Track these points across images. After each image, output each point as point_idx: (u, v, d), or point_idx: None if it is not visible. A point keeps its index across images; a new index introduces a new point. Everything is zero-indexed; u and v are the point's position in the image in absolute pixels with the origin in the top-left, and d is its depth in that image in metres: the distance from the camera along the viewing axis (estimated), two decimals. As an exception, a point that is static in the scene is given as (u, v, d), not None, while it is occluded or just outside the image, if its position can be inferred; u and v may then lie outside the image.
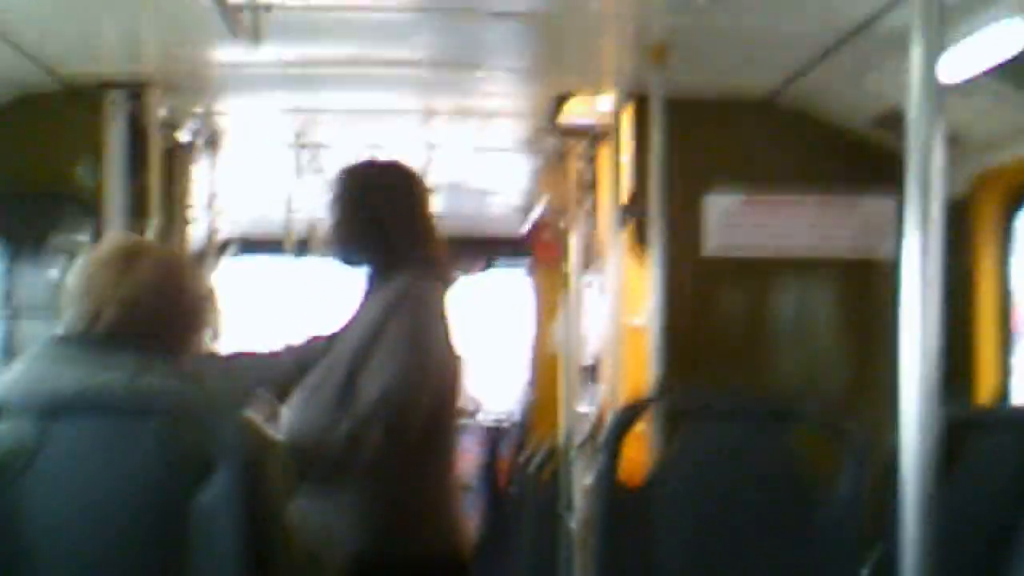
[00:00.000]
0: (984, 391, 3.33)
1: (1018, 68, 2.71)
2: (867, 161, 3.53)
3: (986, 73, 2.74)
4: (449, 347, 2.60)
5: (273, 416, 2.82)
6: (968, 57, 2.65)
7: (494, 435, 6.59)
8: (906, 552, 1.61)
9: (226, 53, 3.17)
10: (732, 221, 3.62)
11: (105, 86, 3.42)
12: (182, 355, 2.08)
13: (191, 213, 4.14)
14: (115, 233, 3.29)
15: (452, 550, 2.64)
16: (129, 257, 2.03)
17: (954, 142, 2.84)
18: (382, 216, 2.63)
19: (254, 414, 2.37)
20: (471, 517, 2.89)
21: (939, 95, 1.62)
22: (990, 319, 3.35)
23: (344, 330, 2.63)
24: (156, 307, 2.01)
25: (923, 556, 1.60)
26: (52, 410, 1.87)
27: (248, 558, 1.86)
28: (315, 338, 2.73)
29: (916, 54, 1.63)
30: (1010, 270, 3.35)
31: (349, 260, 2.68)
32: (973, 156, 3.25)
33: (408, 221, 2.65)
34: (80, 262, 2.07)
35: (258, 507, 1.90)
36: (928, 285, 1.60)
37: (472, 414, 6.31)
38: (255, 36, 2.68)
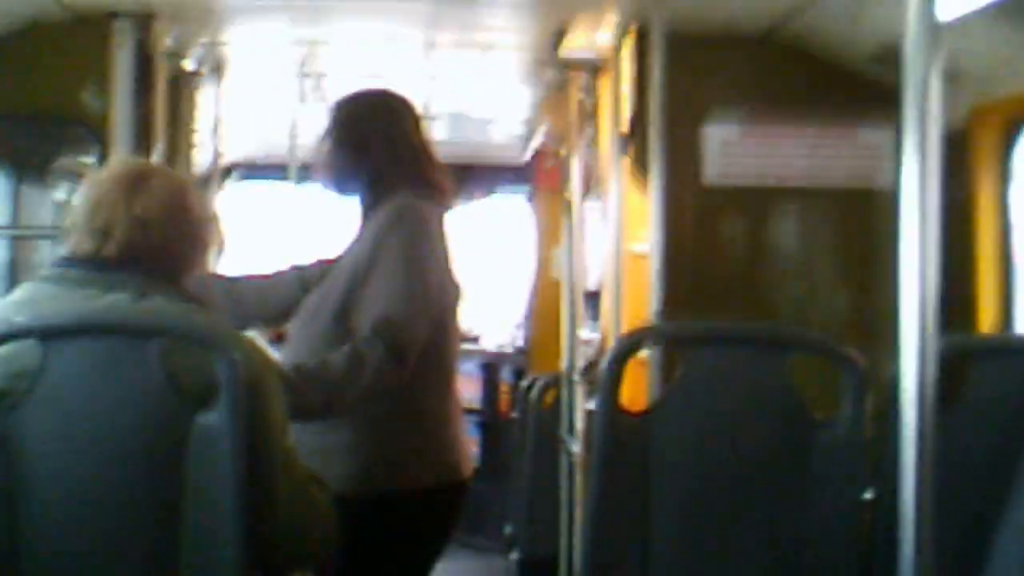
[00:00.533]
0: (985, 321, 3.35)
1: (1013, 6, 2.74)
2: (864, 95, 3.53)
3: (982, 10, 2.74)
4: (449, 269, 2.63)
5: (276, 339, 2.87)
6: None
7: (496, 361, 6.60)
8: (906, 480, 1.61)
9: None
10: (731, 150, 3.63)
11: (112, 15, 3.42)
12: (187, 277, 2.08)
13: (196, 139, 4.16)
14: (121, 156, 3.30)
15: (452, 474, 2.67)
16: (137, 179, 2.04)
17: (951, 76, 2.86)
18: (368, 142, 2.65)
19: (256, 336, 2.40)
20: (473, 442, 2.93)
21: (936, 31, 1.61)
22: (990, 249, 3.36)
23: (341, 255, 2.64)
24: (164, 227, 2.02)
25: (923, 485, 1.60)
26: (56, 332, 1.88)
27: (247, 480, 1.86)
28: (321, 260, 2.75)
29: None
30: (1009, 200, 3.35)
31: (341, 189, 2.71)
32: (970, 89, 3.25)
33: (397, 146, 2.67)
34: (87, 183, 2.09)
35: (259, 429, 1.91)
36: (926, 214, 1.60)
37: (474, 340, 6.32)
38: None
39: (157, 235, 2.01)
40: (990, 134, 3.33)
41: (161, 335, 1.89)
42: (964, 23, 2.79)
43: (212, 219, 2.20)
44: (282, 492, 1.97)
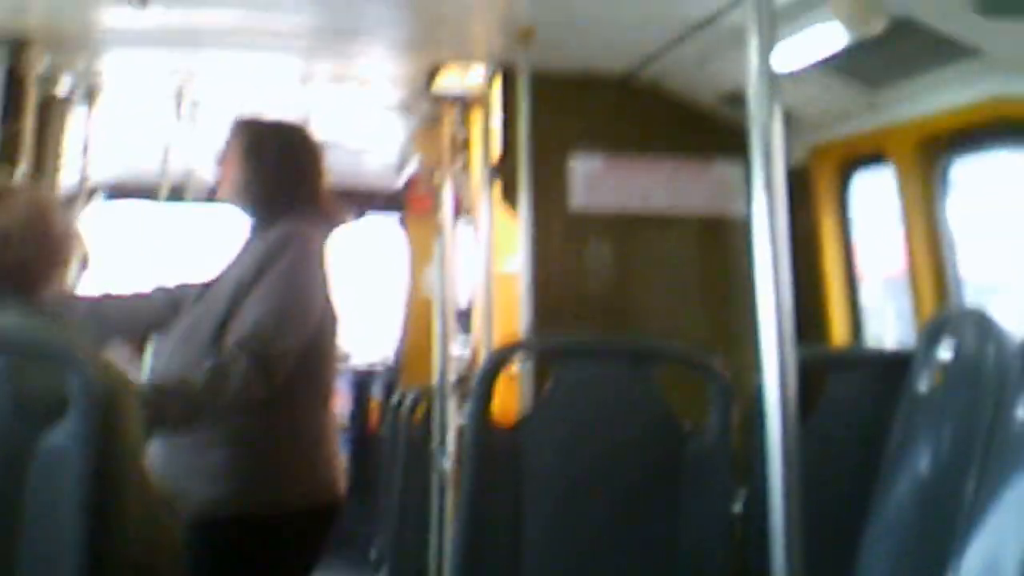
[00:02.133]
0: (836, 335, 3.54)
1: (841, 62, 2.95)
2: (716, 132, 3.73)
3: (814, 65, 2.97)
4: (327, 292, 2.65)
5: (135, 358, 2.85)
6: (798, 51, 2.88)
7: (365, 378, 6.60)
8: (773, 486, 1.67)
9: (111, 14, 3.21)
10: (595, 180, 3.78)
11: (-21, 38, 3.41)
12: (45, 293, 2.09)
13: (63, 160, 4.13)
14: None
15: (326, 494, 2.65)
16: None
17: (790, 119, 3.07)
18: (272, 168, 2.70)
19: (114, 356, 2.36)
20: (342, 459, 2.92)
21: (774, 81, 1.76)
22: (836, 270, 3.56)
23: (225, 273, 2.65)
24: (22, 243, 2.03)
25: (789, 489, 1.66)
26: None
27: (94, 501, 1.81)
28: (188, 284, 2.75)
29: (752, 47, 1.78)
30: (851, 226, 3.56)
31: (239, 202, 2.74)
32: (808, 131, 3.48)
33: (297, 175, 2.72)
34: None
35: (111, 447, 1.86)
36: (777, 241, 1.71)
37: (345, 358, 6.28)
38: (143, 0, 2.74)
39: (13, 251, 2.02)
40: (829, 169, 3.54)
41: (11, 350, 1.87)
42: (801, 75, 3.01)
43: (73, 236, 2.20)
44: (130, 519, 1.94)
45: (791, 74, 2.97)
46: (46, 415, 1.83)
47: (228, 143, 2.77)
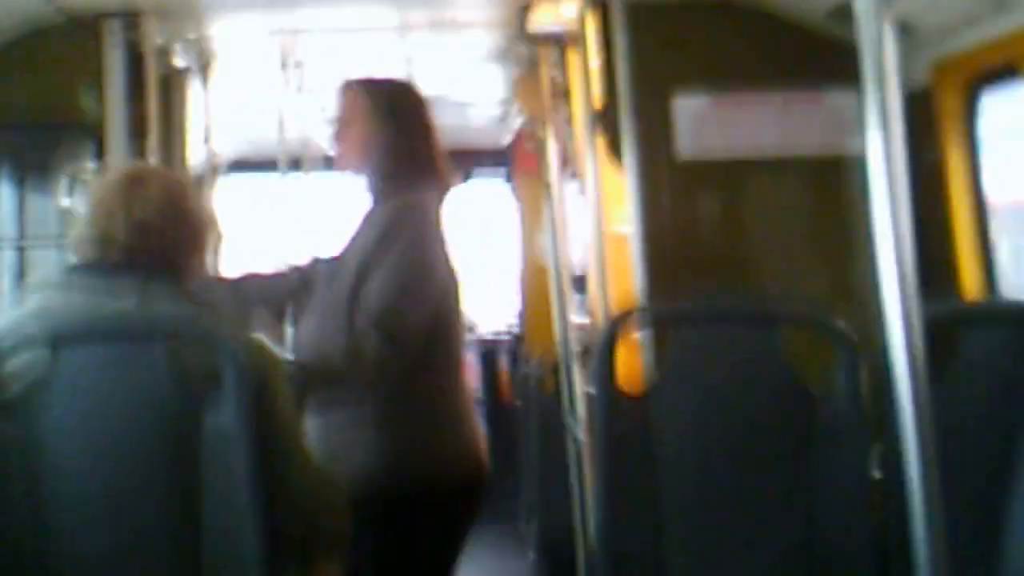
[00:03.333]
0: (968, 283, 3.32)
1: None
2: (826, 56, 3.47)
3: None
4: (448, 261, 2.66)
5: (279, 337, 2.96)
6: None
7: (493, 348, 6.61)
8: (908, 448, 1.60)
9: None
10: (701, 123, 3.61)
11: (103, 15, 3.51)
12: (189, 277, 2.13)
13: (189, 138, 4.22)
14: (119, 160, 3.38)
15: (475, 468, 2.68)
16: (134, 183, 2.09)
17: (909, 32, 2.81)
18: (400, 131, 2.69)
19: (260, 335, 2.42)
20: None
21: None
22: (965, 209, 3.33)
23: (348, 247, 2.67)
24: (163, 229, 2.07)
25: (925, 451, 1.59)
26: (65, 339, 1.94)
27: (260, 475, 1.91)
28: (318, 259, 2.78)
29: None
30: (980, 159, 3.30)
31: (357, 171, 2.73)
32: (927, 44, 3.22)
33: (419, 137, 2.72)
34: (88, 191, 2.17)
35: (268, 425, 1.95)
36: (895, 181, 1.57)
37: (471, 329, 6.31)
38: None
39: (156, 238, 2.07)
40: (954, 90, 3.30)
41: (167, 338, 1.94)
42: None
43: (210, 217, 2.24)
44: (297, 486, 2.02)
45: None
46: (206, 396, 1.93)
47: (349, 106, 2.74)
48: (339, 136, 2.77)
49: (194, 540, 1.92)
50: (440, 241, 2.66)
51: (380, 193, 2.71)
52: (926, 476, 1.59)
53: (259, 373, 1.97)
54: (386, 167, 2.69)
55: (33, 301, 2.08)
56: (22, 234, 3.78)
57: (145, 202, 2.07)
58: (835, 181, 3.61)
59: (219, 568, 1.92)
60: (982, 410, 2.25)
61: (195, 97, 4.29)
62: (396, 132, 2.70)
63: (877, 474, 2.32)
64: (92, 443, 1.93)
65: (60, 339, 1.94)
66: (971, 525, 1.88)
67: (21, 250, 3.77)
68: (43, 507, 1.92)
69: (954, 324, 2.35)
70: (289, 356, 2.60)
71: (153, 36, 3.66)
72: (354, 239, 2.68)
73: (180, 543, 1.93)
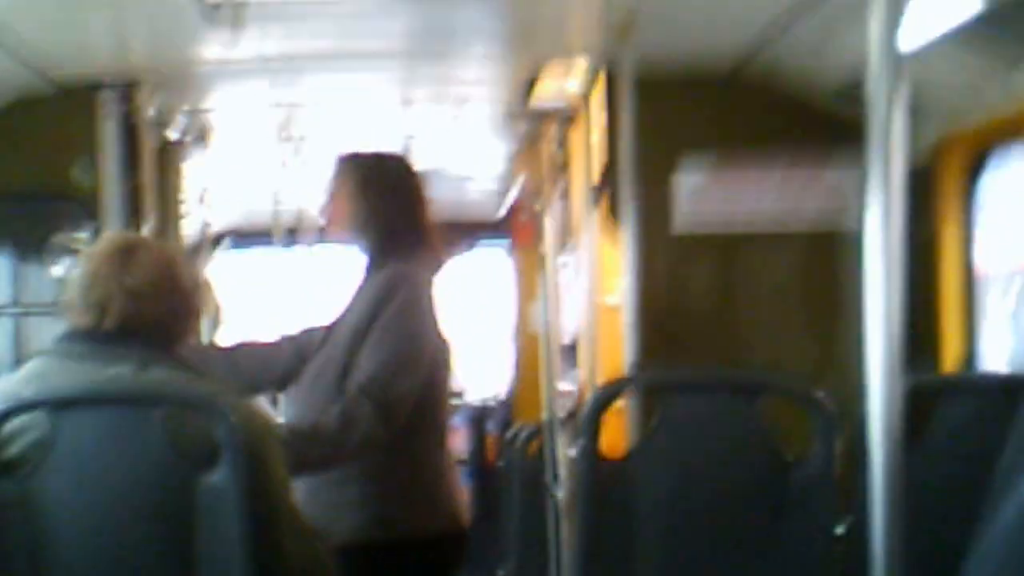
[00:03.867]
0: (950, 359, 3.35)
1: (977, 33, 2.72)
2: (832, 132, 3.55)
3: (945, 38, 2.71)
4: (438, 330, 2.71)
5: (273, 404, 2.94)
6: (927, 22, 2.63)
7: (481, 414, 6.68)
8: (875, 519, 1.62)
9: (208, 49, 3.25)
10: (701, 196, 3.65)
11: (96, 87, 3.50)
12: (182, 345, 2.16)
13: (184, 209, 4.23)
14: (112, 231, 3.37)
15: (450, 523, 2.76)
16: (128, 253, 2.11)
17: (915, 110, 2.86)
18: (384, 204, 2.74)
19: (254, 402, 2.45)
20: (464, 490, 3.00)
21: (899, 62, 1.60)
22: (954, 287, 3.35)
23: (341, 317, 2.72)
24: (157, 299, 2.08)
25: (891, 523, 1.61)
26: (65, 404, 1.97)
27: (253, 537, 1.94)
28: (311, 329, 2.83)
29: (875, 22, 1.61)
30: (973, 236, 3.33)
31: (350, 241, 2.79)
32: (933, 122, 3.25)
33: (406, 210, 2.76)
34: (80, 262, 2.15)
35: (261, 489, 1.98)
36: (891, 254, 1.59)
37: (460, 395, 6.36)
38: (234, 28, 2.78)
39: (149, 307, 2.07)
40: (956, 167, 3.33)
41: (163, 404, 1.97)
42: (928, 53, 2.77)
43: (201, 287, 2.27)
44: (288, 547, 2.05)
45: (916, 54, 2.73)
46: (201, 462, 1.95)
47: (336, 179, 2.81)
48: (326, 208, 2.84)
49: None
50: (430, 310, 2.70)
51: (371, 264, 2.76)
52: (891, 542, 1.60)
53: (253, 439, 1.99)
54: (371, 239, 2.75)
55: (29, 367, 2.10)
56: (17, 302, 3.79)
57: (138, 271, 2.08)
58: (829, 256, 3.64)
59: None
60: (953, 476, 2.27)
61: (190, 169, 4.28)
62: (378, 205, 2.75)
63: (841, 530, 2.35)
64: (89, 505, 1.95)
65: (60, 403, 1.97)
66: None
67: (17, 318, 3.78)
68: (42, 567, 1.94)
69: (934, 395, 2.38)
70: (281, 422, 2.64)
71: (148, 107, 3.66)
72: (347, 309, 2.71)
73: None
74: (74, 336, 2.09)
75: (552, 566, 3.74)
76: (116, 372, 2.03)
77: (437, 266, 2.77)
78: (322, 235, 2.98)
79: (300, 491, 2.41)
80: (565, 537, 3.46)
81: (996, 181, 3.29)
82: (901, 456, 1.61)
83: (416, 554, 2.68)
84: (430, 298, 2.70)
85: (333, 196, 2.80)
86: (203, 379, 2.19)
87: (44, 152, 3.68)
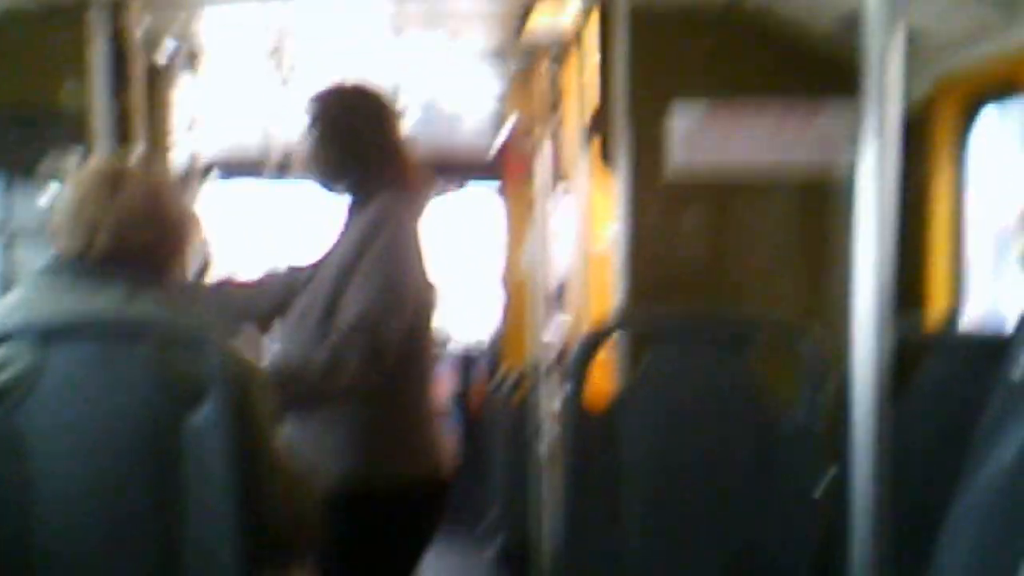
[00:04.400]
0: (936, 307, 3.36)
1: None
2: (829, 70, 3.51)
3: None
4: (424, 271, 2.66)
5: (258, 345, 2.93)
6: None
7: (466, 362, 6.64)
8: (856, 470, 1.64)
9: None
10: (696, 136, 3.62)
11: (85, 4, 3.42)
12: (169, 279, 2.14)
13: (173, 136, 4.20)
14: (99, 158, 3.28)
15: (434, 472, 2.73)
16: (116, 182, 2.09)
17: (913, 46, 2.84)
18: (357, 140, 2.67)
19: (239, 342, 2.46)
20: (451, 437, 3.00)
21: (897, 3, 1.59)
22: (944, 232, 3.36)
23: (326, 257, 2.68)
24: (145, 231, 2.06)
25: (873, 475, 1.63)
26: (48, 337, 1.95)
27: (238, 477, 1.94)
28: (297, 267, 2.79)
29: None
30: (965, 181, 3.33)
31: (328, 185, 2.73)
32: (929, 63, 3.22)
33: (382, 144, 2.69)
34: (67, 188, 2.12)
35: (247, 429, 1.97)
36: (883, 202, 1.58)
37: (445, 342, 6.35)
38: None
39: (138, 234, 2.06)
40: (950, 110, 3.31)
41: (151, 337, 1.96)
42: None
43: (191, 219, 2.25)
44: (274, 484, 2.05)
45: None
46: (187, 398, 1.95)
47: (308, 123, 2.74)
48: (302, 151, 2.78)
49: (174, 536, 1.95)
50: (416, 248, 2.66)
51: (353, 204, 2.71)
52: (874, 495, 1.61)
53: (240, 377, 1.98)
54: (348, 181, 2.70)
55: (15, 295, 2.08)
56: (4, 227, 3.76)
57: (126, 204, 2.06)
58: (821, 201, 3.62)
59: (197, 564, 1.95)
60: (937, 432, 2.27)
61: (180, 95, 4.22)
62: (351, 145, 2.68)
63: (825, 489, 2.36)
64: (75, 438, 1.95)
65: (46, 333, 1.96)
66: (913, 548, 1.89)
67: (4, 242, 3.75)
68: (27, 499, 1.94)
69: (919, 348, 2.38)
70: (269, 361, 2.61)
71: (137, 28, 3.58)
72: (332, 248, 2.69)
73: (160, 539, 1.94)
74: (61, 263, 2.07)
75: (534, 517, 3.74)
76: (104, 300, 2.02)
77: (422, 202, 2.73)
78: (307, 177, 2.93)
79: (285, 435, 2.39)
80: (547, 488, 3.45)
81: (989, 130, 3.28)
82: (888, 407, 1.62)
83: (397, 504, 2.66)
84: (416, 235, 2.66)
85: (306, 140, 2.74)
86: (190, 311, 2.18)
87: (31, 70, 3.63)
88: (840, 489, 2.22)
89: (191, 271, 3.25)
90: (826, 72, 3.53)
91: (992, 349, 2.14)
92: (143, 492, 1.95)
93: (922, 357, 2.38)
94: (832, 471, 2.35)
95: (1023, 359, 1.91)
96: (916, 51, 3.10)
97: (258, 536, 2.00)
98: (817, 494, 2.36)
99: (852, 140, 3.59)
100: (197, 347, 1.97)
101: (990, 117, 3.26)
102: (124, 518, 1.95)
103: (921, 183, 3.36)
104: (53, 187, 3.55)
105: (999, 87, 3.11)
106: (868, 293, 1.60)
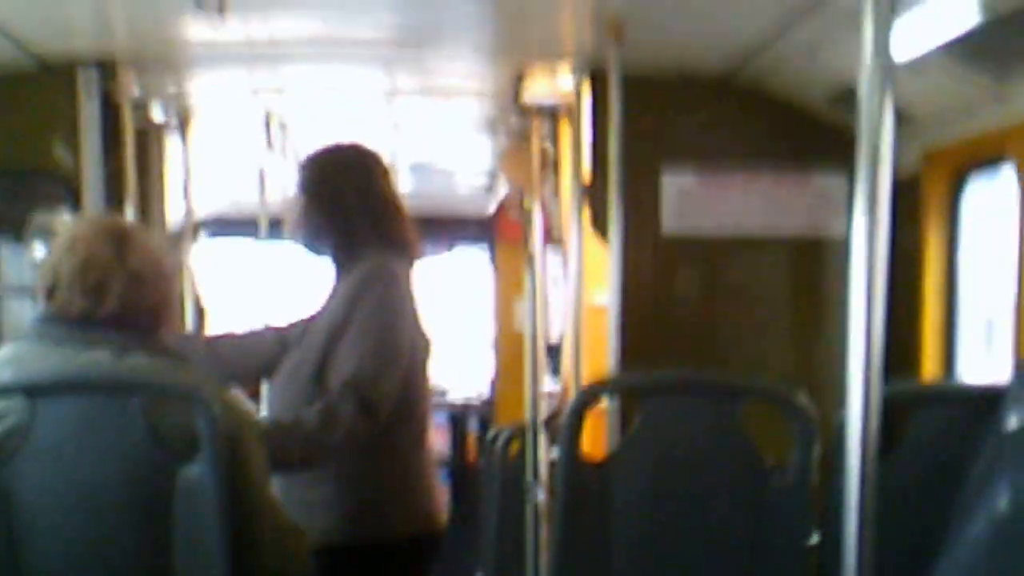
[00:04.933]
0: (928, 370, 3.36)
1: (967, 46, 2.73)
2: (821, 139, 3.55)
3: (937, 50, 2.74)
4: (417, 325, 2.67)
5: (253, 397, 2.91)
6: (920, 34, 2.67)
7: (462, 413, 6.70)
8: (848, 526, 1.64)
9: (193, 30, 3.20)
10: (689, 200, 3.64)
11: (78, 65, 3.46)
12: (164, 333, 2.14)
13: (166, 194, 4.18)
14: (95, 214, 3.34)
15: (426, 525, 2.74)
16: (122, 243, 2.08)
17: (905, 120, 2.88)
18: (342, 198, 2.68)
19: (234, 394, 2.44)
20: (443, 491, 2.98)
21: (890, 72, 1.62)
22: (935, 298, 3.37)
23: (318, 313, 2.69)
24: (151, 294, 2.07)
25: (864, 530, 1.63)
26: (41, 390, 1.95)
27: (229, 528, 1.93)
28: (296, 322, 2.79)
29: (868, 30, 1.63)
30: (957, 247, 3.36)
31: (313, 247, 2.74)
32: (921, 133, 3.26)
33: (369, 202, 2.70)
34: (64, 245, 2.09)
35: (240, 482, 1.98)
36: (875, 262, 1.61)
37: (441, 394, 6.39)
38: (220, 10, 2.75)
39: (145, 299, 2.06)
40: (941, 179, 3.35)
41: (142, 392, 1.95)
42: (919, 64, 2.80)
43: (178, 276, 2.24)
44: (265, 539, 2.04)
45: (908, 65, 2.76)
46: (179, 453, 1.94)
47: (300, 182, 2.74)
48: (289, 215, 2.79)
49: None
50: (408, 304, 2.66)
51: (338, 268, 2.71)
52: (862, 550, 1.62)
53: (232, 429, 1.98)
54: (331, 246, 2.70)
55: (6, 350, 2.07)
56: (-6, 284, 3.74)
57: (135, 265, 2.06)
58: (814, 263, 3.66)
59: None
60: (927, 486, 2.27)
61: (173, 153, 4.22)
62: (333, 210, 2.68)
63: (815, 540, 2.37)
64: (66, 492, 1.94)
65: (36, 389, 1.96)
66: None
67: None
68: (18, 554, 1.93)
69: (910, 403, 2.39)
70: (262, 415, 2.63)
71: (130, 88, 3.61)
72: (325, 304, 2.69)
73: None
74: (53, 319, 2.05)
75: (530, 569, 3.68)
76: (96, 355, 2.00)
77: (412, 259, 2.73)
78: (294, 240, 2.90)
79: (274, 489, 2.38)
80: (544, 541, 3.42)
81: (979, 196, 3.31)
82: (876, 465, 1.63)
83: (389, 556, 2.66)
84: (407, 291, 2.67)
85: (293, 201, 2.75)
86: (184, 367, 2.17)
87: (25, 129, 3.62)
88: (830, 547, 2.22)
89: (186, 326, 3.23)
90: (816, 142, 3.57)
91: (981, 402, 2.18)
92: (134, 547, 1.94)
93: (912, 412, 2.37)
94: (824, 524, 2.33)
95: (1018, 409, 1.94)
96: (908, 117, 3.14)
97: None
98: (807, 551, 2.36)
99: (844, 202, 3.64)
100: (189, 400, 1.96)
101: (979, 187, 3.29)
102: (115, 569, 1.94)
103: (913, 251, 3.38)
104: (42, 245, 3.52)
105: (987, 158, 3.15)
106: (860, 351, 1.63)
